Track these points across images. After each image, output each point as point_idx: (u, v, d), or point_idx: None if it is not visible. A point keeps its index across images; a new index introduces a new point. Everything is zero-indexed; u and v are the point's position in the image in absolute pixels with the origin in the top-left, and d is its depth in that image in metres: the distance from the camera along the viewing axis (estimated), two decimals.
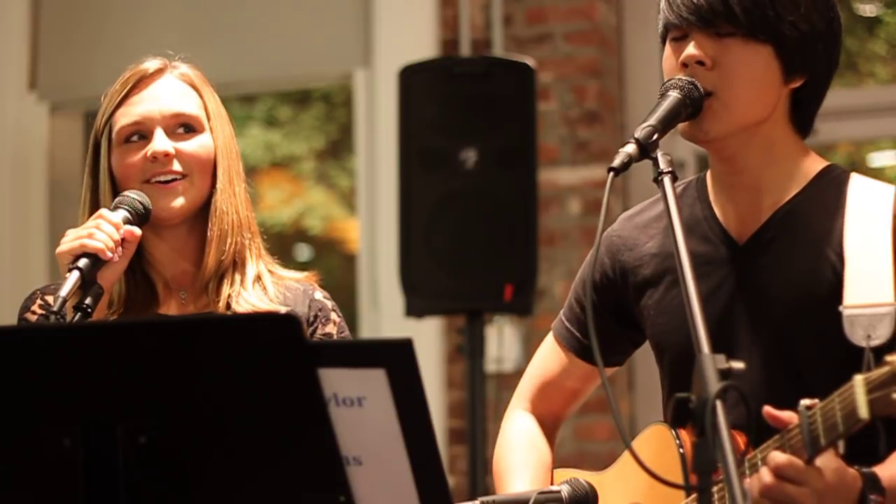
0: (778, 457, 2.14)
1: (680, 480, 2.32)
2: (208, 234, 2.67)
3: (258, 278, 2.71)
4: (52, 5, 6.58)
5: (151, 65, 2.70)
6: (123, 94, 2.68)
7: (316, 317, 2.71)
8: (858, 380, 2.04)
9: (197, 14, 6.35)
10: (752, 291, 2.40)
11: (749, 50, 2.35)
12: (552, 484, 2.60)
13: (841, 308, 2.30)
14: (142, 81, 2.69)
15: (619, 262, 2.55)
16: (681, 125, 2.38)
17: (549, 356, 2.67)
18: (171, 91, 2.69)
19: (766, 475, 2.14)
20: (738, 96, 2.36)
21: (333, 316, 2.74)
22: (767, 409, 2.16)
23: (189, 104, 2.69)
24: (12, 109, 6.55)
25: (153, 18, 6.36)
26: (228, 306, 2.65)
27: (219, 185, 2.68)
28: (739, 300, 2.40)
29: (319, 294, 2.75)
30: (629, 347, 2.64)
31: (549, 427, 2.70)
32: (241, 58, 6.22)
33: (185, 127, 2.68)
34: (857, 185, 2.41)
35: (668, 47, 2.42)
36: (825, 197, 2.40)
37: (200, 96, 2.71)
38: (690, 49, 2.36)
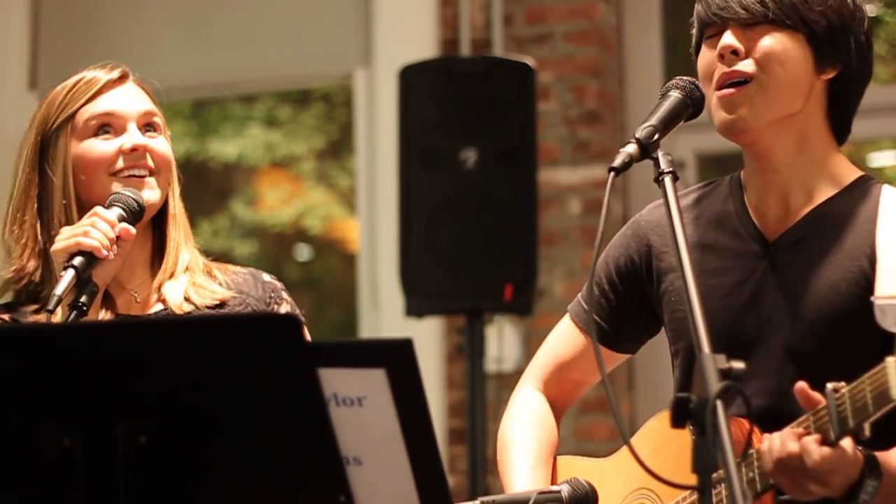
0: (776, 449, 2.16)
1: (689, 465, 2.33)
2: (171, 240, 2.70)
3: (206, 271, 2.72)
4: (52, 5, 6.58)
5: (111, 72, 2.73)
6: (90, 93, 2.69)
7: (271, 297, 2.75)
8: (891, 361, 2.07)
9: (197, 14, 6.35)
10: (778, 288, 2.42)
11: (782, 37, 2.41)
12: (554, 463, 2.61)
13: (872, 298, 2.32)
14: (108, 84, 2.71)
15: (647, 245, 2.58)
16: (717, 117, 2.40)
17: (564, 337, 2.68)
18: (137, 93, 2.73)
19: (767, 461, 2.18)
20: (775, 81, 2.40)
21: (285, 295, 2.78)
22: (801, 386, 2.18)
23: (154, 107, 2.74)
24: (12, 109, 6.54)
25: (153, 19, 6.36)
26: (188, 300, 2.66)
27: (174, 192, 2.72)
28: (765, 295, 2.43)
29: (267, 276, 2.79)
30: (644, 336, 2.65)
31: (557, 408, 2.71)
32: (241, 58, 6.22)
33: (151, 126, 2.71)
34: (891, 194, 2.45)
35: (703, 48, 2.46)
36: (859, 204, 2.44)
37: (155, 105, 2.75)
38: (725, 39, 2.42)
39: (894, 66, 6.41)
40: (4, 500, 1.93)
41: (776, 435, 2.19)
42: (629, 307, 2.60)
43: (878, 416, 2.10)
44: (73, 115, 2.68)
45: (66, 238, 2.53)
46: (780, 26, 2.41)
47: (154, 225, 2.72)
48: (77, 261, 2.50)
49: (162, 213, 2.70)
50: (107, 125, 2.68)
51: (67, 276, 2.47)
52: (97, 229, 2.53)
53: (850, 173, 2.49)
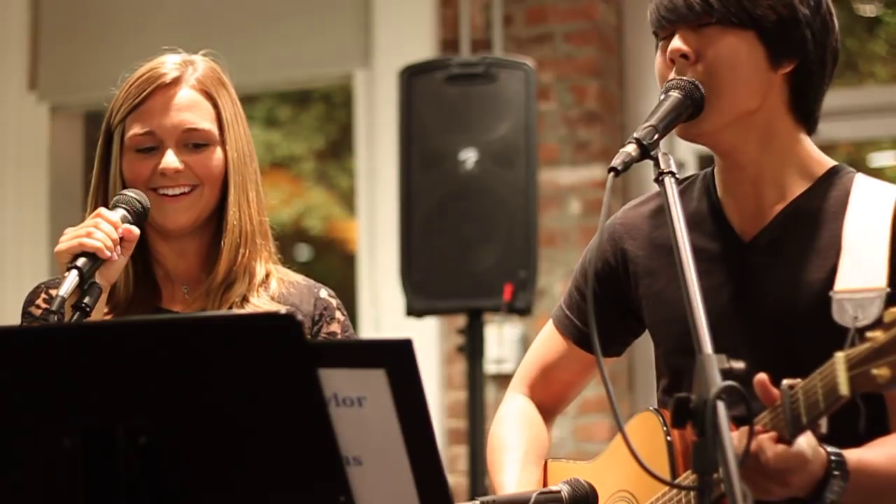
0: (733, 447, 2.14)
1: (666, 467, 2.33)
2: (221, 244, 2.68)
3: (263, 280, 2.71)
4: (52, 5, 6.58)
5: (170, 71, 2.69)
6: (140, 98, 2.68)
7: (321, 315, 2.72)
8: (839, 357, 2.02)
9: (197, 14, 6.35)
10: (754, 290, 2.40)
11: (731, 37, 2.37)
12: (545, 464, 2.61)
13: (831, 293, 2.31)
14: (158, 90, 2.68)
15: (622, 249, 2.56)
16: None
17: (549, 344, 2.68)
18: (185, 104, 2.68)
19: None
20: (725, 84, 2.37)
21: (338, 315, 2.75)
22: (761, 378, 2.14)
23: (203, 119, 2.69)
24: (12, 109, 6.55)
25: (153, 19, 6.36)
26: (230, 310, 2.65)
27: (231, 198, 2.68)
28: (742, 298, 2.41)
29: (325, 292, 2.76)
30: (628, 338, 2.65)
31: (546, 412, 2.71)
32: (241, 58, 6.20)
33: (196, 142, 2.67)
34: (862, 185, 2.42)
35: (658, 51, 2.44)
36: (831, 197, 2.41)
37: (215, 105, 2.70)
38: (673, 43, 2.39)
39: (894, 66, 6.41)
40: (4, 500, 1.93)
41: (733, 434, 2.17)
42: (610, 310, 2.57)
43: (829, 412, 2.06)
44: (124, 120, 2.68)
45: (69, 239, 2.53)
46: (728, 26, 2.36)
47: (218, 228, 2.70)
48: (80, 262, 2.50)
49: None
50: (147, 141, 2.67)
51: (71, 277, 2.47)
52: (100, 230, 2.53)
53: (822, 164, 2.45)
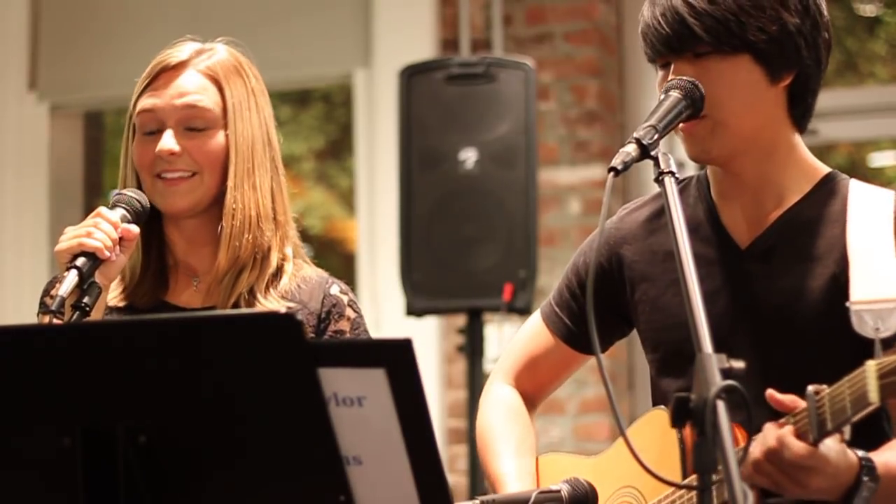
0: (771, 438, 2.15)
1: (677, 465, 2.33)
2: (224, 236, 2.65)
3: (276, 273, 2.70)
4: (52, 5, 6.58)
5: (176, 56, 2.69)
6: (146, 83, 2.68)
7: (328, 313, 2.70)
8: (871, 365, 2.05)
9: (197, 14, 6.35)
10: (752, 297, 2.40)
11: (726, 64, 2.37)
12: (537, 462, 2.61)
13: (848, 304, 2.31)
14: (163, 73, 2.68)
15: (617, 254, 2.56)
16: (685, 147, 2.39)
17: (535, 336, 2.68)
18: (188, 86, 2.67)
19: (757, 450, 2.16)
20: (729, 111, 2.37)
21: (348, 312, 2.72)
22: (771, 393, 2.17)
23: (204, 101, 2.66)
24: (12, 109, 6.55)
25: (153, 19, 6.36)
26: (237, 305, 2.64)
27: (230, 182, 2.66)
28: (739, 305, 2.41)
29: (336, 289, 2.74)
30: (614, 339, 2.65)
31: (530, 401, 2.71)
32: None
33: (196, 125, 2.66)
34: (858, 191, 2.42)
35: (658, 78, 2.44)
36: (828, 204, 2.41)
37: (221, 91, 2.68)
38: (670, 78, 2.38)
39: (894, 66, 6.42)
40: (4, 500, 1.93)
41: (759, 435, 2.18)
42: (601, 312, 2.55)
43: (856, 419, 2.09)
44: (136, 106, 2.69)
45: (68, 238, 2.53)
46: (723, 54, 2.35)
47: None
48: (80, 261, 2.49)
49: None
50: (150, 124, 2.67)
51: (70, 277, 2.47)
52: (100, 230, 2.53)
53: (817, 171, 2.45)
